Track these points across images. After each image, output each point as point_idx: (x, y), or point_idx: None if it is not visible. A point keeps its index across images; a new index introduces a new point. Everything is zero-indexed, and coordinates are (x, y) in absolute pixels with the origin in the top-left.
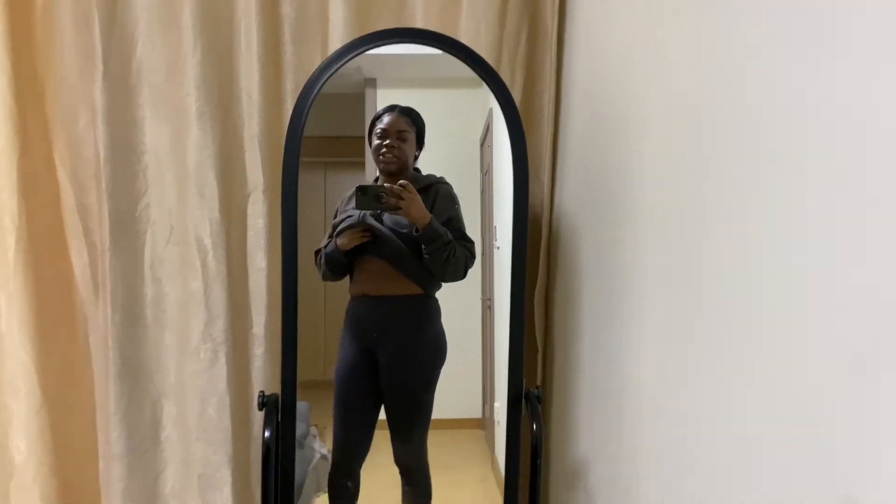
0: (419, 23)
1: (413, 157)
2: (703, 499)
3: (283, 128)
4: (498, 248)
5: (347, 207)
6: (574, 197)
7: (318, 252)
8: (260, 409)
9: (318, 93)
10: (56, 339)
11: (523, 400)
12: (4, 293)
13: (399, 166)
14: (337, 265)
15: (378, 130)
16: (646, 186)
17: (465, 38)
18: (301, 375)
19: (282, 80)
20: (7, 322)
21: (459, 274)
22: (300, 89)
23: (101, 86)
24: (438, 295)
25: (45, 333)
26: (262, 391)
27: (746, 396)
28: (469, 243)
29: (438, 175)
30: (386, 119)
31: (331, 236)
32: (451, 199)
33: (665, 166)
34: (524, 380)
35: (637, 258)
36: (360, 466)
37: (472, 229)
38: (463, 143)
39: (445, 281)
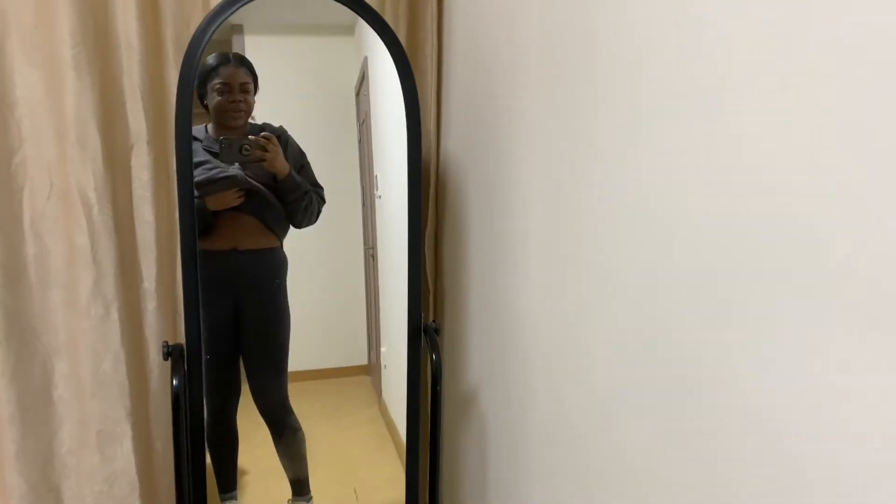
0: None
1: (253, 105)
2: (588, 407)
3: (164, 77)
4: (380, 196)
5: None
6: (459, 141)
7: None
8: (165, 360)
9: (207, 43)
10: None
11: (422, 334)
12: None
13: (246, 119)
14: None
15: (218, 85)
16: (524, 125)
17: None
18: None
19: (161, 28)
20: None
21: (314, 219)
22: (180, 37)
23: None
24: (318, 248)
25: None
26: (165, 341)
27: (616, 315)
28: (320, 189)
29: (277, 125)
30: (225, 72)
31: None
32: (299, 149)
33: (540, 102)
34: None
35: (519, 193)
36: (235, 412)
37: (351, 179)
38: (337, 92)
39: (301, 227)
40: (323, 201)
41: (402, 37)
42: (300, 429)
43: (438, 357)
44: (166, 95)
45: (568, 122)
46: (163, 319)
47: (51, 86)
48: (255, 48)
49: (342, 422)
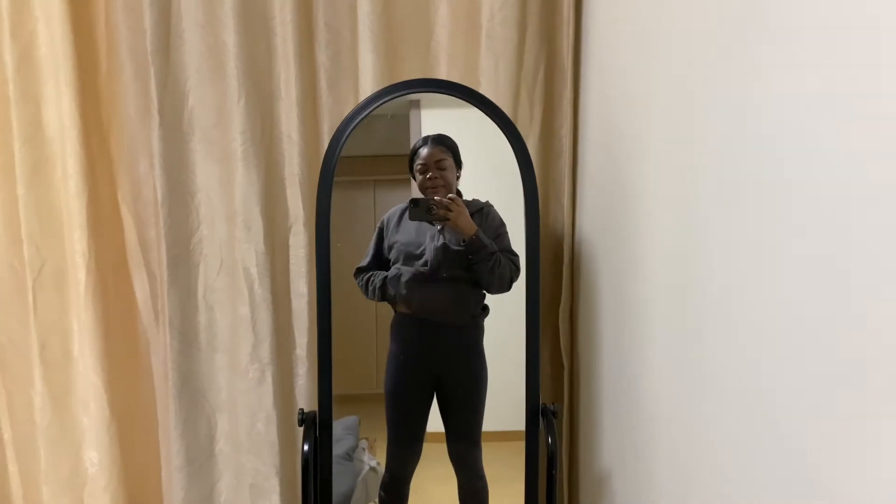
0: (442, 64)
1: (456, 179)
2: None
3: (320, 165)
4: None
5: (399, 234)
6: (592, 220)
7: (360, 270)
8: (300, 426)
9: (347, 136)
10: (122, 361)
11: (540, 416)
12: (77, 322)
13: (446, 194)
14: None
15: (418, 166)
16: (655, 210)
17: (484, 77)
18: (351, 389)
19: (319, 122)
20: (80, 347)
21: (505, 285)
22: (335, 129)
23: (157, 133)
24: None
25: (113, 357)
26: (301, 409)
27: (751, 414)
28: (514, 256)
29: (483, 199)
30: (423, 153)
31: (377, 256)
32: (499, 219)
33: (670, 191)
34: (540, 395)
35: (649, 278)
36: (412, 475)
37: (519, 244)
38: (505, 161)
39: (492, 292)
40: (518, 269)
41: (537, 122)
42: (485, 487)
43: (554, 441)
44: None
45: (696, 214)
46: (312, 384)
47: (224, 176)
48: (430, 121)
49: (499, 489)
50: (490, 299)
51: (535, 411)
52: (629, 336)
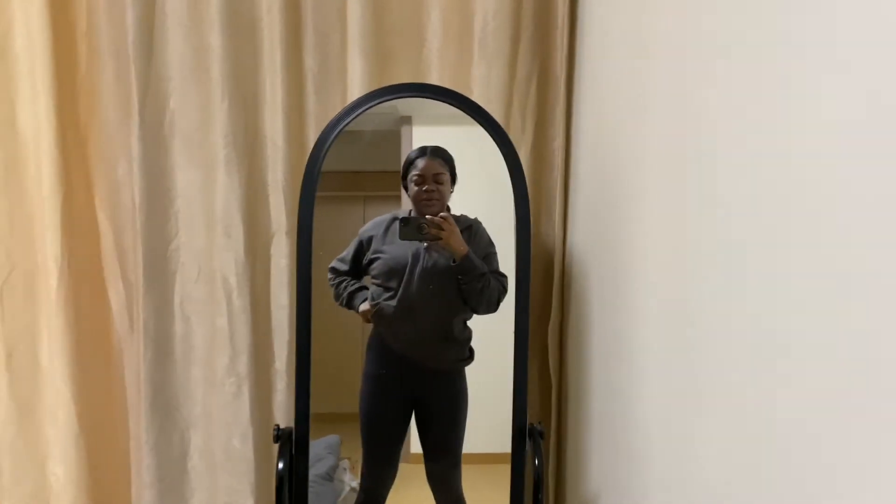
0: (434, 70)
1: (449, 195)
2: None
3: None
4: None
5: (385, 246)
6: (584, 235)
7: (336, 271)
8: (275, 443)
9: (333, 141)
10: (94, 372)
11: (527, 436)
12: (47, 329)
13: (440, 208)
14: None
15: (415, 177)
16: (649, 227)
17: (477, 87)
18: (334, 408)
19: (305, 129)
20: (49, 356)
21: (493, 306)
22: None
23: (137, 135)
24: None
25: (84, 367)
26: (276, 425)
27: (748, 437)
28: (503, 277)
29: (472, 216)
30: (421, 164)
31: (354, 265)
32: (488, 239)
33: (665, 208)
34: (528, 415)
35: (642, 296)
36: (387, 496)
37: (509, 262)
38: (497, 179)
39: (479, 313)
40: (505, 290)
41: (529, 134)
42: None
43: (541, 462)
44: None
45: (691, 232)
46: (291, 400)
47: (204, 181)
48: (421, 138)
49: None
50: (474, 317)
51: (522, 431)
52: (620, 355)
